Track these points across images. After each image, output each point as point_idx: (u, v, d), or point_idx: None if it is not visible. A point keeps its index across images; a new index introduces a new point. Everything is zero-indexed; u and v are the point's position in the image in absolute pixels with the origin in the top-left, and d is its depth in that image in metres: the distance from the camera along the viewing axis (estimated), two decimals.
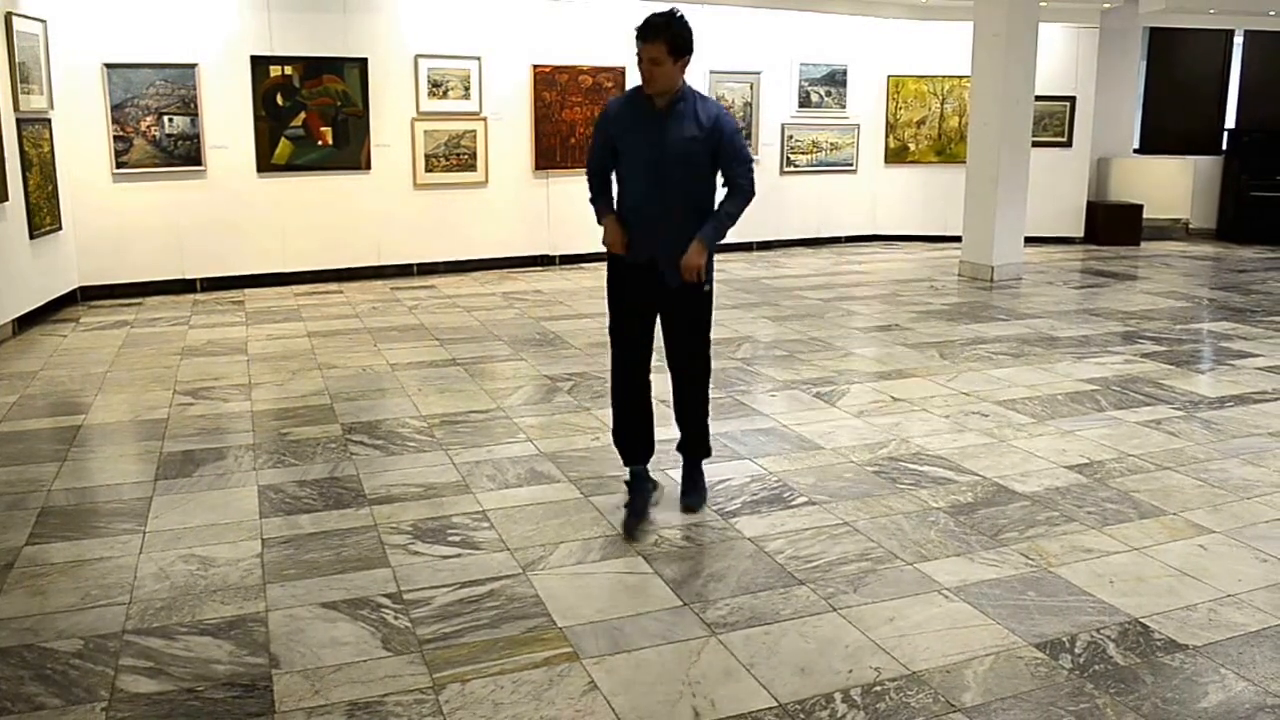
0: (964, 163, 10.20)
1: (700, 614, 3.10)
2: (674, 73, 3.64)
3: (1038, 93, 9.91)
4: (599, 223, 3.84)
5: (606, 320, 3.93)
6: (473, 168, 9.71)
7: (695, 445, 4.01)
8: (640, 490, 3.92)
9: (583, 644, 2.92)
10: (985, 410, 5.30)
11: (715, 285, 3.93)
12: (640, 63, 3.63)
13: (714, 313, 3.95)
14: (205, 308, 8.09)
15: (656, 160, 3.68)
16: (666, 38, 3.57)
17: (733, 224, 3.77)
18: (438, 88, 9.43)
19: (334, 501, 4.00)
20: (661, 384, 3.96)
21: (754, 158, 4.26)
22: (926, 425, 5.03)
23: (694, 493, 3.98)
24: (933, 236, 12.14)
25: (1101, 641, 2.95)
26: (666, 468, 4.30)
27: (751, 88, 11.04)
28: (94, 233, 8.28)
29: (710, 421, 4.05)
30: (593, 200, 3.88)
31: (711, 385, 4.05)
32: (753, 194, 3.76)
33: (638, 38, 3.61)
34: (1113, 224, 12.24)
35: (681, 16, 3.64)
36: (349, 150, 9.13)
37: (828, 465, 4.45)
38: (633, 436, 3.96)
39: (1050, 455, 4.60)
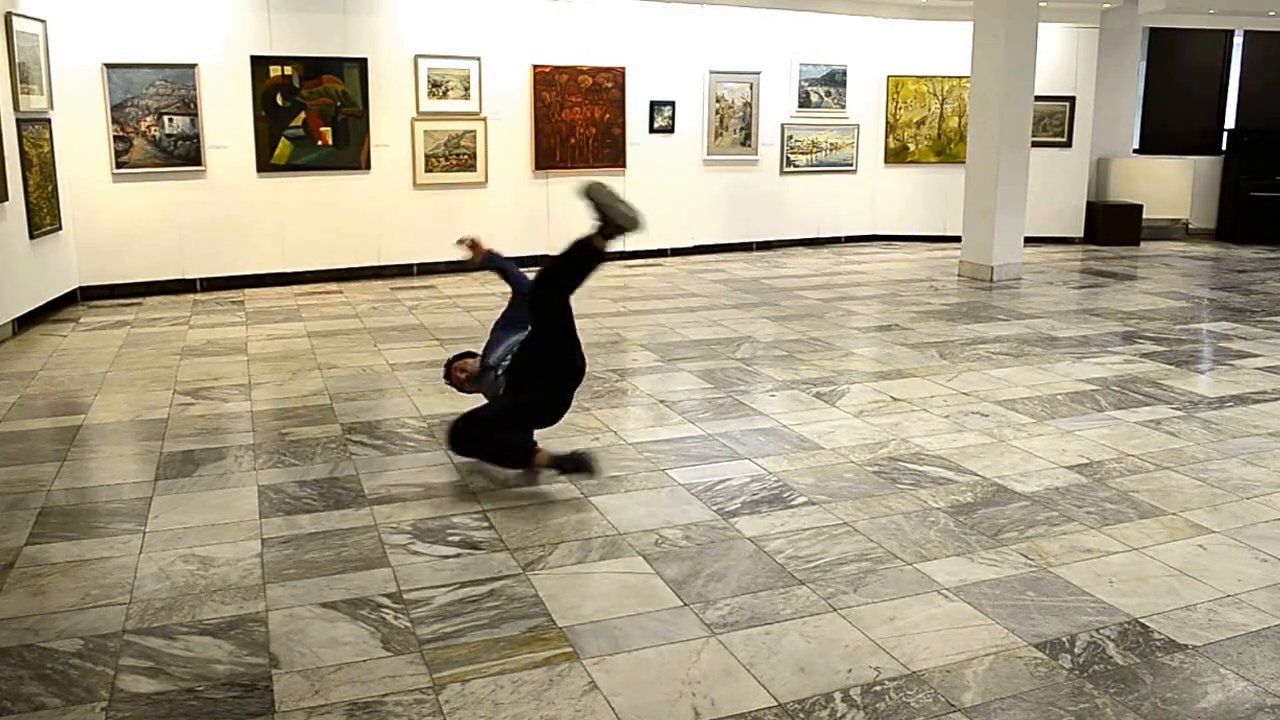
0: (963, 163, 10.20)
1: (700, 614, 3.10)
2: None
3: (1038, 93, 9.91)
4: None
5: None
6: (472, 168, 9.71)
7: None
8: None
9: (583, 644, 2.92)
10: (985, 410, 5.30)
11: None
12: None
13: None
14: (205, 308, 8.09)
15: None
16: None
17: None
18: (437, 88, 9.43)
19: (334, 501, 4.00)
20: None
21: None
22: (926, 425, 5.03)
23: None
24: (932, 236, 12.14)
25: (1101, 641, 2.95)
26: (666, 468, 4.35)
27: (751, 88, 11.04)
28: (94, 233, 8.28)
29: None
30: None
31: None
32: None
33: None
34: (1112, 224, 12.24)
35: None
36: (349, 150, 9.14)
37: (828, 465, 4.45)
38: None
39: (1050, 455, 4.60)
